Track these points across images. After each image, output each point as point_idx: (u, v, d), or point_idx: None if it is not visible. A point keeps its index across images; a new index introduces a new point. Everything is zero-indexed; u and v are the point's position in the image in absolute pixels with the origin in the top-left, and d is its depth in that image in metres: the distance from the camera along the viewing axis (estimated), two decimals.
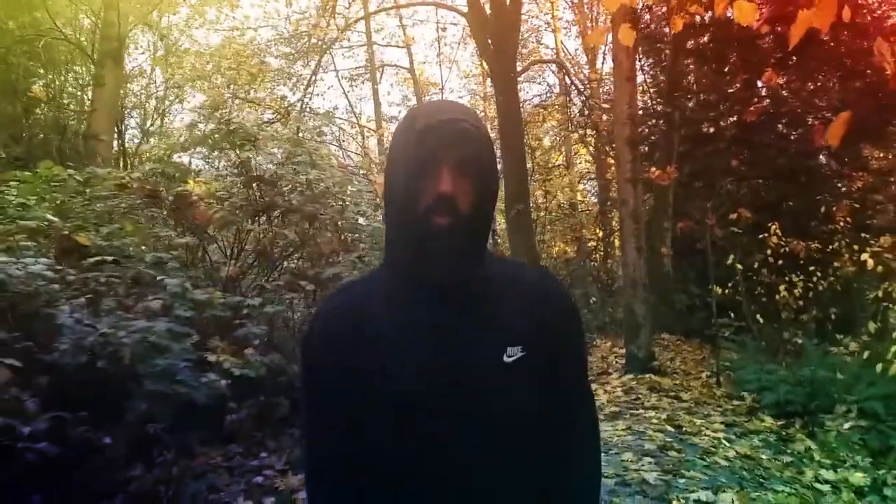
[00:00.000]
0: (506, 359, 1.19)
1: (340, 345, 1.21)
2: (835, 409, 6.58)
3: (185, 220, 4.14)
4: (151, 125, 18.00)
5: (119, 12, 9.54)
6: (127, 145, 14.24)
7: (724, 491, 4.17)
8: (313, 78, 16.56)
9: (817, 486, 4.92)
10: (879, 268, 6.99)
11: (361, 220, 5.29)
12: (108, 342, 2.63)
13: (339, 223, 5.14)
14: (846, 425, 6.21)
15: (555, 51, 20.60)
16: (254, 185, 4.52)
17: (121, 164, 11.44)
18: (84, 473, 2.94)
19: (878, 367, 5.96)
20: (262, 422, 4.58)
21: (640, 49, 11.29)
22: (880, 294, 6.69)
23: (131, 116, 17.08)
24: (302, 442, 1.35)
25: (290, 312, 4.22)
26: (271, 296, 4.05)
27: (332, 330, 1.24)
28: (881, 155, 10.61)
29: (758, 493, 4.18)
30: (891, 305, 6.99)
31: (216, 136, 4.64)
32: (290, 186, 4.69)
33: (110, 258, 3.22)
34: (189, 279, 3.39)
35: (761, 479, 4.73)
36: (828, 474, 5.17)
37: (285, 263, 4.75)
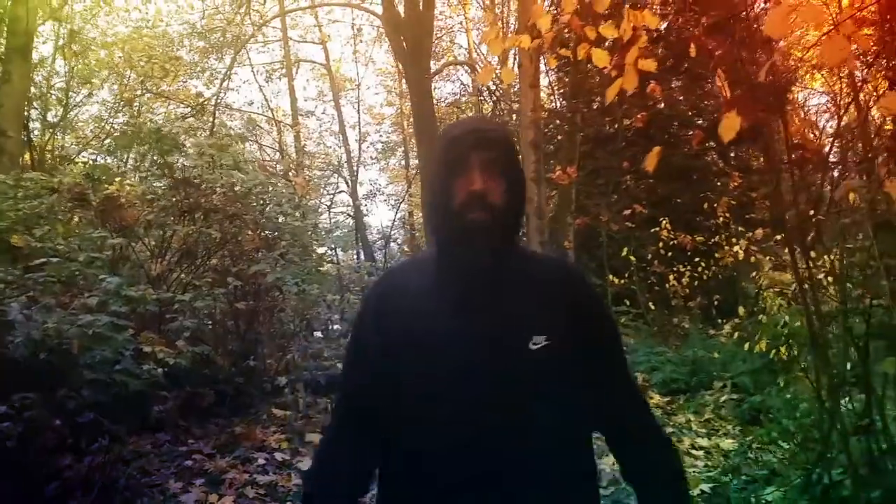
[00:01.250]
0: (531, 346, 1.26)
1: (385, 311, 1.37)
2: (713, 385, 7.34)
3: (111, 221, 4.37)
4: (55, 117, 17.33)
5: (28, 7, 9.39)
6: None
7: (606, 455, 4.76)
8: (229, 73, 16.47)
9: (693, 452, 5.53)
10: (753, 258, 7.88)
11: (282, 219, 5.60)
12: (57, 335, 2.91)
13: (260, 222, 5.45)
14: (721, 399, 6.96)
15: (468, 50, 21.16)
16: (179, 187, 4.80)
17: (28, 161, 11.19)
18: (27, 458, 3.20)
19: (746, 346, 6.74)
20: (187, 411, 4.86)
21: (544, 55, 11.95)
22: (753, 281, 7.51)
23: (33, 108, 16.41)
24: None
25: (216, 307, 4.52)
26: (199, 292, 4.36)
27: (381, 299, 1.42)
28: (760, 156, 11.66)
29: None
30: (761, 291, 7.86)
31: (143, 139, 4.85)
32: (212, 188, 4.99)
33: (45, 259, 3.46)
34: (119, 277, 3.65)
35: None
36: (702, 441, 5.80)
37: (210, 261, 5.02)
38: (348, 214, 21.74)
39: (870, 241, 3.02)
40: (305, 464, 4.57)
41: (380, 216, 33.48)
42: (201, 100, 16.08)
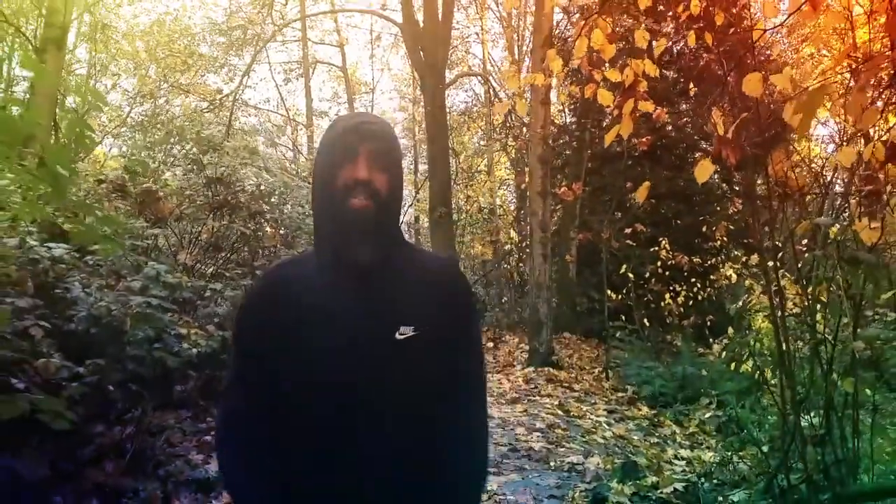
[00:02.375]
0: (397, 336, 1.32)
1: (263, 307, 1.42)
2: (700, 400, 7.66)
3: (147, 212, 4.73)
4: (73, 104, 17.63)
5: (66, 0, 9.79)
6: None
7: (592, 456, 5.12)
8: (248, 71, 16.88)
9: (675, 462, 5.84)
10: (748, 281, 8.23)
11: (300, 219, 5.96)
12: (108, 313, 3.27)
13: (281, 220, 5.82)
14: (706, 415, 7.27)
15: (482, 61, 21.55)
16: (212, 185, 5.17)
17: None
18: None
19: (733, 365, 7.08)
20: (206, 393, 5.21)
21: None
22: (740, 304, 7.85)
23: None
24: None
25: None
26: (228, 282, 4.71)
27: (260, 296, 1.47)
28: (760, 182, 12.00)
29: (620, 459, 5.11)
30: (749, 313, 8.19)
31: (181, 136, 5.24)
32: (241, 187, 5.35)
33: (96, 244, 3.81)
34: (161, 265, 4.02)
35: (630, 454, 5.68)
36: (684, 452, 6.12)
37: (233, 255, 5.38)
38: None
39: (835, 273, 3.36)
40: None
41: None
42: (220, 96, 16.43)
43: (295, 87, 23.97)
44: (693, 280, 9.91)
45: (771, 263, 3.36)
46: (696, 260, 9.94)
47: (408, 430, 1.32)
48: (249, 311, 1.48)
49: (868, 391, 3.59)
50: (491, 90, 18.67)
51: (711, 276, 9.70)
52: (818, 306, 3.56)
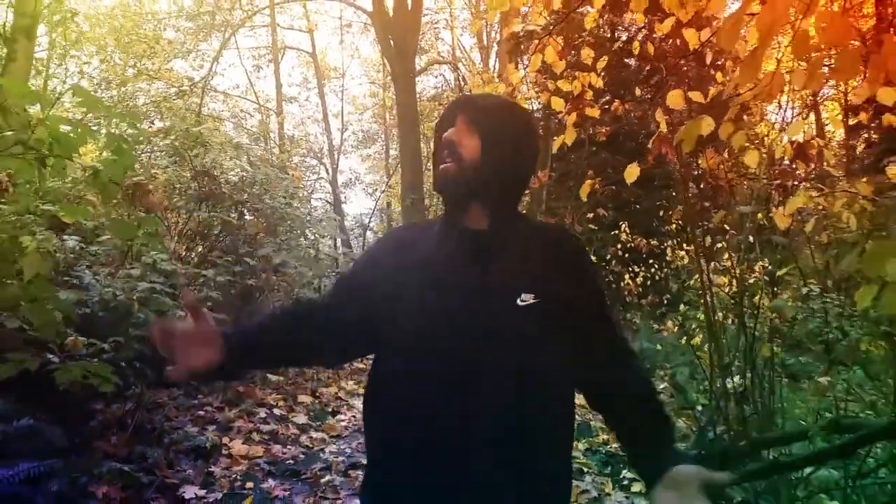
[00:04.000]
0: (519, 302, 1.27)
1: (385, 258, 1.43)
2: (655, 374, 8.26)
3: (137, 204, 5.09)
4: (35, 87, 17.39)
5: None
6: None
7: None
8: (217, 57, 16.99)
9: None
10: (702, 261, 8.82)
11: (282, 208, 6.34)
12: (113, 297, 3.66)
13: (262, 210, 6.20)
14: (661, 387, 7.86)
15: (451, 47, 21.88)
16: (199, 178, 5.54)
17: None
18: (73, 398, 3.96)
19: (684, 339, 7.67)
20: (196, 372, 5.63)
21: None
22: (691, 283, 8.45)
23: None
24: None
25: (235, 283, 5.27)
26: (219, 269, 5.10)
27: (385, 248, 1.49)
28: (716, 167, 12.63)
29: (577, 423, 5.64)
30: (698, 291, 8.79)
31: (175, 137, 5.58)
32: (226, 179, 5.72)
33: (101, 235, 4.19)
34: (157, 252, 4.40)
35: (588, 419, 6.21)
36: None
37: (217, 243, 5.75)
38: (327, 202, 22.31)
39: (754, 254, 3.90)
40: (300, 419, 5.39)
41: (358, 205, 33.95)
42: (190, 83, 16.53)
43: (265, 73, 24.02)
44: (651, 261, 10.46)
45: (694, 247, 3.87)
46: (654, 242, 10.48)
47: (526, 402, 1.25)
48: (372, 259, 1.48)
49: (781, 354, 4.13)
50: (461, 77, 19.03)
51: (668, 258, 10.26)
52: (744, 283, 4.11)
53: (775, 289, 3.97)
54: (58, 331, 2.71)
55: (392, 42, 13.48)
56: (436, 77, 22.83)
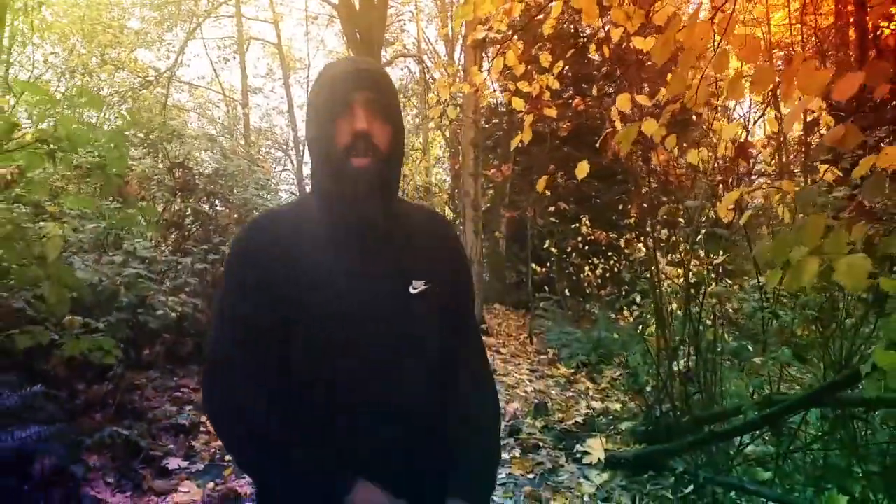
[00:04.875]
0: (411, 290, 1.28)
1: (263, 259, 1.25)
2: (612, 361, 8.61)
3: (115, 194, 5.20)
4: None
5: None
6: None
7: (512, 402, 5.93)
8: (183, 48, 16.90)
9: (585, 411, 6.71)
10: (658, 254, 9.20)
11: (252, 198, 6.48)
12: (99, 282, 3.80)
13: (232, 200, 6.35)
14: (617, 373, 8.21)
15: (416, 39, 22.00)
16: (173, 169, 5.67)
17: None
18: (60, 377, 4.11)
19: (640, 328, 8.02)
20: (171, 357, 5.77)
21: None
22: (648, 275, 8.82)
23: None
24: (209, 336, 1.33)
25: (210, 269, 5.41)
26: (196, 256, 5.24)
27: (256, 245, 1.28)
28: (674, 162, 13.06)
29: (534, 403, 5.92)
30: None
31: (151, 128, 5.69)
32: (200, 171, 5.86)
33: (88, 223, 4.32)
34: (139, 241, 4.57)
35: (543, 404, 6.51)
36: (596, 405, 7.00)
37: (191, 232, 5.89)
38: (292, 193, 22.30)
39: (699, 245, 4.22)
40: None
41: None
42: (156, 74, 16.42)
43: (230, 64, 23.88)
44: (610, 254, 10.84)
45: (647, 239, 4.17)
46: (613, 235, 10.86)
47: (425, 384, 1.28)
48: (242, 258, 1.28)
49: (725, 338, 4.47)
50: (425, 70, 19.19)
51: (626, 250, 10.64)
52: (690, 273, 4.43)
53: (716, 277, 4.29)
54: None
55: (358, 34, 13.57)
56: (401, 70, 22.96)
